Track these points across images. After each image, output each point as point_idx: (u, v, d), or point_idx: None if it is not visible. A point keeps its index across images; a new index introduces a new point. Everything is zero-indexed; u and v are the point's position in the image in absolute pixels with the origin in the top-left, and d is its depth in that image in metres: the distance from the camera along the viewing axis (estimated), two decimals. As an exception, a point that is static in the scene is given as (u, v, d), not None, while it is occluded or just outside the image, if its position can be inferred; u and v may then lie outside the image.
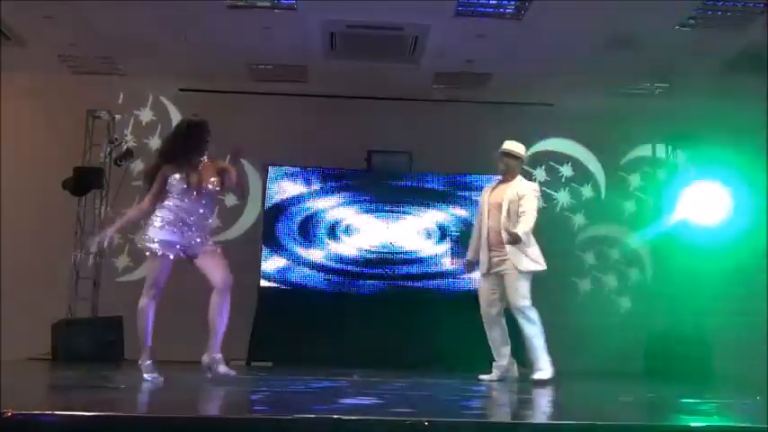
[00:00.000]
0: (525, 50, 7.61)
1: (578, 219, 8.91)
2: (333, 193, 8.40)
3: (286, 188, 8.36)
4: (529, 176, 8.12)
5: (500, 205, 5.84)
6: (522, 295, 5.74)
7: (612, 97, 8.70)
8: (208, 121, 5.12)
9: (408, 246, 8.35)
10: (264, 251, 8.15)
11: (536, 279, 7.87)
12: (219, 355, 4.99)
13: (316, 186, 8.43)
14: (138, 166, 8.65)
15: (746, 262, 8.24)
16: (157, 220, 4.97)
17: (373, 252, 8.35)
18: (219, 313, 5.00)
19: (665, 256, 8.69)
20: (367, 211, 8.42)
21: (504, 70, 8.15)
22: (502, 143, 6.14)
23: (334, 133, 8.58)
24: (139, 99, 8.55)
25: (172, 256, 4.96)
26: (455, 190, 8.46)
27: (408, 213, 8.42)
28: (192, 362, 7.08)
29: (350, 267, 8.29)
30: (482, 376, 6.01)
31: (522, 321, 5.81)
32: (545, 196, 8.27)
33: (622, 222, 8.92)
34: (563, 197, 8.93)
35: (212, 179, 4.99)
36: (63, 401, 3.86)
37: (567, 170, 8.90)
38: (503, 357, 6.06)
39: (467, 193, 8.41)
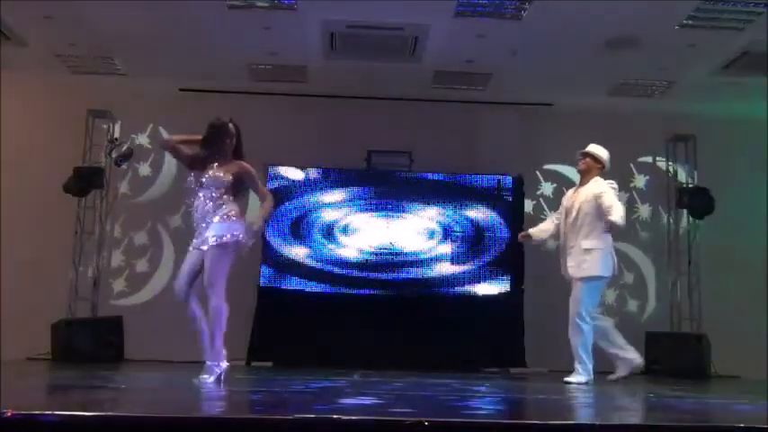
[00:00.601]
0: (525, 50, 7.61)
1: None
2: (332, 192, 8.40)
3: (286, 188, 8.36)
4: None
5: (572, 208, 5.93)
6: (578, 302, 5.83)
7: (612, 97, 8.71)
8: (228, 123, 5.05)
9: (408, 245, 8.35)
10: (264, 251, 8.15)
11: (543, 280, 7.89)
12: (209, 363, 4.83)
13: (315, 186, 8.43)
14: (137, 165, 8.68)
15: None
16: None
17: (373, 252, 8.35)
18: (210, 316, 4.84)
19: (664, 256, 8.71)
20: (367, 211, 8.42)
21: (504, 70, 8.15)
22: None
23: (334, 133, 8.59)
24: (140, 99, 8.55)
25: (191, 249, 4.93)
26: (455, 190, 8.46)
27: (408, 213, 8.42)
28: (192, 362, 7.09)
29: (350, 267, 8.30)
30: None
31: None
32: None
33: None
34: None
35: (219, 174, 4.98)
36: (63, 401, 3.86)
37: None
38: (625, 351, 6.05)
39: (467, 193, 8.42)
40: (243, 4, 6.81)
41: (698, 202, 8.17)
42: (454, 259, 8.32)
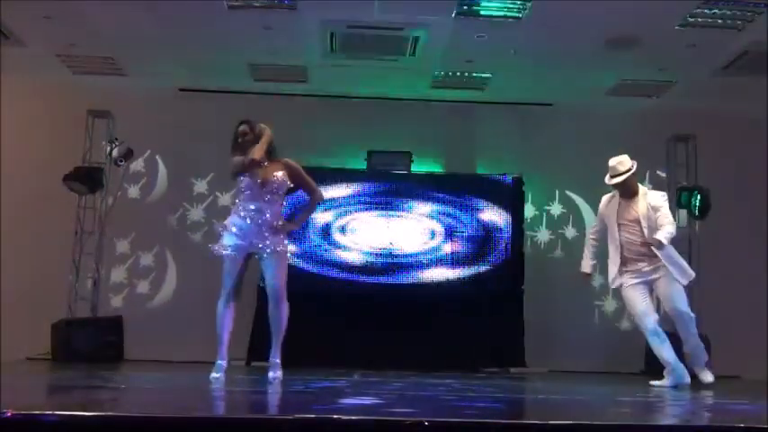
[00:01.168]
0: (525, 50, 7.61)
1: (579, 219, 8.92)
2: (332, 193, 8.39)
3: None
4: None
5: (637, 221, 5.82)
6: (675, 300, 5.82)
7: (612, 97, 8.71)
8: (243, 121, 5.09)
9: (408, 245, 8.35)
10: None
11: (543, 280, 7.87)
12: (272, 360, 5.06)
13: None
14: (137, 165, 8.68)
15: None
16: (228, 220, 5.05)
17: (373, 252, 8.34)
18: (271, 320, 5.08)
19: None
20: (366, 211, 8.41)
21: (504, 70, 8.15)
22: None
23: (334, 133, 8.58)
24: (140, 99, 8.55)
25: (230, 254, 4.96)
26: (455, 190, 8.46)
27: (408, 213, 8.41)
28: (192, 362, 7.10)
29: (349, 267, 8.29)
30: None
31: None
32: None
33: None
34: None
35: (278, 175, 4.96)
36: (63, 401, 3.86)
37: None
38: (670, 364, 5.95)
39: (466, 193, 8.41)
40: (243, 4, 6.81)
41: (698, 202, 8.16)
42: (454, 259, 8.31)
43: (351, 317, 7.90)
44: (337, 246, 8.33)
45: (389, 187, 8.48)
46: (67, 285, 7.99)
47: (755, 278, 8.28)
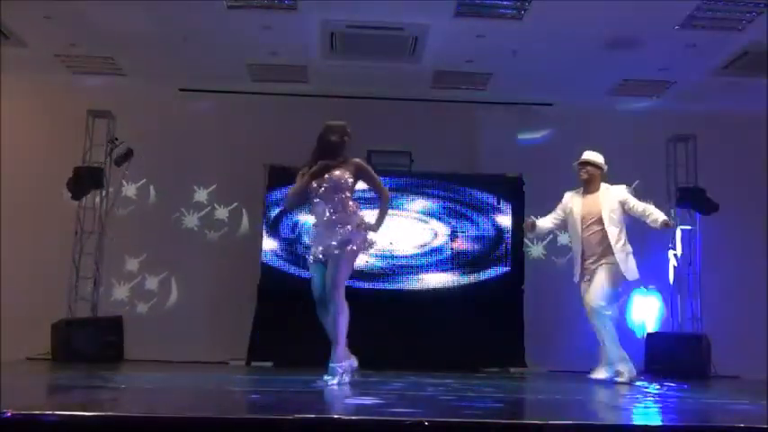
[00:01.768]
0: (525, 50, 7.61)
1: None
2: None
3: (286, 188, 8.34)
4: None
5: (600, 218, 5.90)
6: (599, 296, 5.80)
7: (612, 97, 8.71)
8: (331, 123, 5.03)
9: (408, 245, 8.34)
10: (264, 251, 8.14)
11: (543, 280, 7.86)
12: (333, 365, 4.95)
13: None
14: (137, 164, 8.68)
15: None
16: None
17: (372, 252, 8.32)
18: (332, 323, 4.95)
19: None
20: (367, 211, 8.38)
21: (504, 70, 8.15)
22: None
23: (334, 133, 8.57)
24: (140, 99, 8.55)
25: (311, 260, 4.94)
26: (455, 190, 8.45)
27: (408, 213, 8.41)
28: (192, 362, 7.10)
29: (349, 267, 8.27)
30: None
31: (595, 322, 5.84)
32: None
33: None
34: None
35: (336, 173, 4.90)
36: (63, 401, 3.86)
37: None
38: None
39: (466, 193, 8.41)
40: (242, 4, 6.81)
41: (698, 202, 8.17)
42: (454, 259, 8.31)
43: (351, 316, 7.87)
44: (337, 246, 8.31)
45: (389, 187, 8.45)
46: (67, 285, 7.99)
47: (755, 278, 8.27)
